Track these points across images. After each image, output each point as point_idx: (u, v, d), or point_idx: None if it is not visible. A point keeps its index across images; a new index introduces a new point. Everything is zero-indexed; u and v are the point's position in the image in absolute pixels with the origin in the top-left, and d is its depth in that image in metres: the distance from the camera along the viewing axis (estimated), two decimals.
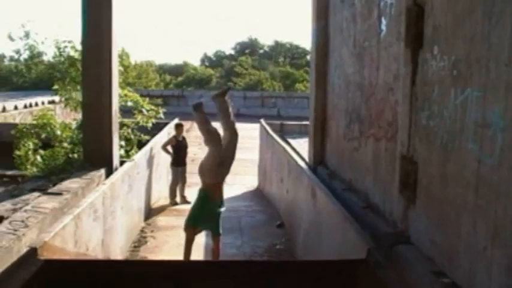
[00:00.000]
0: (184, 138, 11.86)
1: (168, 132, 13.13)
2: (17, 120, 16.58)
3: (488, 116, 2.96)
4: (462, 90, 3.29)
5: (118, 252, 7.40)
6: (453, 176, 3.43)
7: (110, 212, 6.84)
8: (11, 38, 17.57)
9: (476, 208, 3.07)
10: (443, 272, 3.49)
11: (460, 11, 3.37)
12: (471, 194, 3.14)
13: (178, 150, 11.52)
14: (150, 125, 11.68)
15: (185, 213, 7.72)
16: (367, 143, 5.67)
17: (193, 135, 22.87)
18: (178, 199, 11.55)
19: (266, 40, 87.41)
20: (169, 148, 11.51)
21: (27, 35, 17.44)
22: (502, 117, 2.79)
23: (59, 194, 5.99)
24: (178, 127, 11.85)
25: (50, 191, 6.17)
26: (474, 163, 3.10)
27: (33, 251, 4.36)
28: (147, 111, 11.65)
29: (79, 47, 9.50)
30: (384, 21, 5.13)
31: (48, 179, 6.98)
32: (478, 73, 3.08)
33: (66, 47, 10.75)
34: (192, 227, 6.95)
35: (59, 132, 9.93)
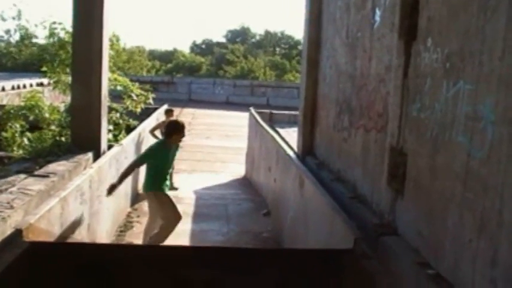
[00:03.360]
0: None
1: (156, 118, 13.07)
2: (4, 102, 16.41)
3: (479, 109, 2.96)
4: (454, 83, 3.29)
5: (104, 236, 7.38)
6: (442, 168, 3.44)
7: (96, 196, 6.81)
8: (2, 18, 17.37)
9: (464, 201, 3.09)
10: (428, 263, 3.51)
11: (455, 3, 3.37)
12: (459, 187, 3.15)
13: None
14: (139, 110, 11.63)
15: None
16: (357, 134, 5.68)
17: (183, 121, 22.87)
18: None
19: (258, 29, 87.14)
20: (157, 133, 11.46)
21: (19, 15, 17.20)
22: (493, 110, 2.80)
23: (45, 176, 5.94)
24: (168, 112, 11.82)
25: (36, 173, 6.11)
26: (464, 156, 3.11)
27: (18, 233, 4.33)
28: (137, 96, 11.59)
29: (70, 29, 9.40)
30: (378, 12, 5.11)
31: (35, 161, 6.91)
32: (471, 66, 3.08)
33: (56, 28, 10.62)
34: None
35: (46, 115, 9.85)
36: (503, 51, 2.71)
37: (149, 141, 11.51)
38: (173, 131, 7.17)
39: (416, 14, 4.01)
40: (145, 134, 11.30)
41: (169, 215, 7.17)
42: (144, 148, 11.05)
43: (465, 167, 3.09)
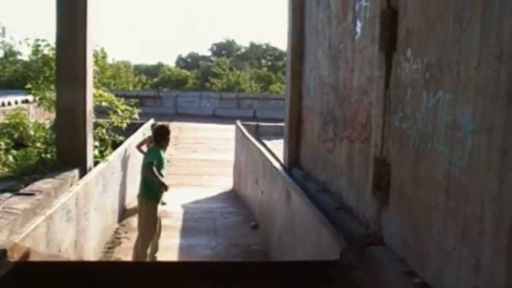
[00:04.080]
0: None
1: (143, 132, 13.04)
2: None
3: (458, 118, 3.00)
4: (434, 93, 3.34)
5: (91, 253, 7.32)
6: (425, 177, 3.48)
7: (83, 213, 6.77)
8: None
9: (447, 209, 3.12)
10: (414, 272, 3.54)
11: (432, 15, 3.43)
12: (442, 196, 3.19)
13: None
14: (124, 125, 11.58)
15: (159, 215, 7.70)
16: (341, 145, 5.71)
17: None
18: None
19: (243, 41, 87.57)
20: (144, 148, 11.42)
21: (3, 32, 17.10)
22: (472, 119, 2.84)
23: (31, 194, 5.90)
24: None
25: (21, 191, 6.06)
26: (445, 165, 3.15)
27: (2, 253, 4.28)
28: (122, 111, 11.55)
29: (54, 46, 9.37)
30: (358, 24, 5.17)
31: (20, 179, 6.85)
32: (449, 76, 3.13)
33: (39, 45, 10.59)
34: None
35: (31, 132, 9.80)
36: (479, 62, 2.77)
37: (136, 157, 11.49)
38: (166, 133, 7.77)
39: (396, 26, 4.07)
40: (132, 150, 11.27)
41: (146, 228, 7.45)
42: (130, 164, 11.03)
43: (447, 175, 3.13)
